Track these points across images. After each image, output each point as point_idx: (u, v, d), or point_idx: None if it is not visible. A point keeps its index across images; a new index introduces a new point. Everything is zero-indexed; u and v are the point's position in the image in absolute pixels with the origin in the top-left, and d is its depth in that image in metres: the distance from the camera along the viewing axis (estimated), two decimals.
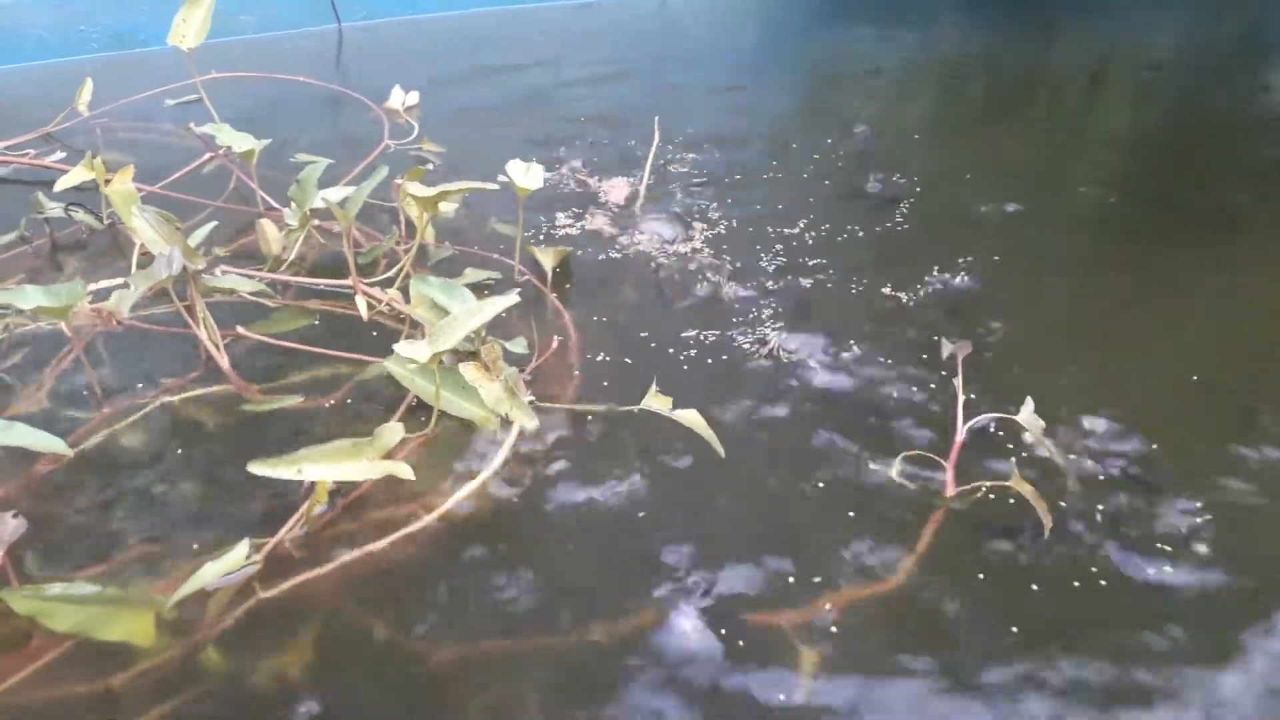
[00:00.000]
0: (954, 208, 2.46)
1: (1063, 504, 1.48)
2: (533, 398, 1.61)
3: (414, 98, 3.02)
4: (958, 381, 1.59)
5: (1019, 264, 2.19)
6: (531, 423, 1.42)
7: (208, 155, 2.47)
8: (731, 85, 3.40)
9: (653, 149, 2.48)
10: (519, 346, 1.64)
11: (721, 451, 1.48)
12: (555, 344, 1.82)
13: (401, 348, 1.45)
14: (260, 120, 2.85)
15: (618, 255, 2.18)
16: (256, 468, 1.25)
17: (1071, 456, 1.57)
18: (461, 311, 1.47)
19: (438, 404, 1.51)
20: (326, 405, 1.66)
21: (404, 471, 1.29)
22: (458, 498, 1.42)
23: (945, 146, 2.92)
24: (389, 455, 1.36)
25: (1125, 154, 2.90)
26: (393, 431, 1.30)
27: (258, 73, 3.16)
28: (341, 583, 1.32)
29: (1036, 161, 2.81)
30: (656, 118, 2.52)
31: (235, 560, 1.27)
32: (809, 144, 2.83)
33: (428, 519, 1.39)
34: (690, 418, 1.48)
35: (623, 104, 3.14)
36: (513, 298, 1.49)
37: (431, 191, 1.78)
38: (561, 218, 2.36)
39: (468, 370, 1.42)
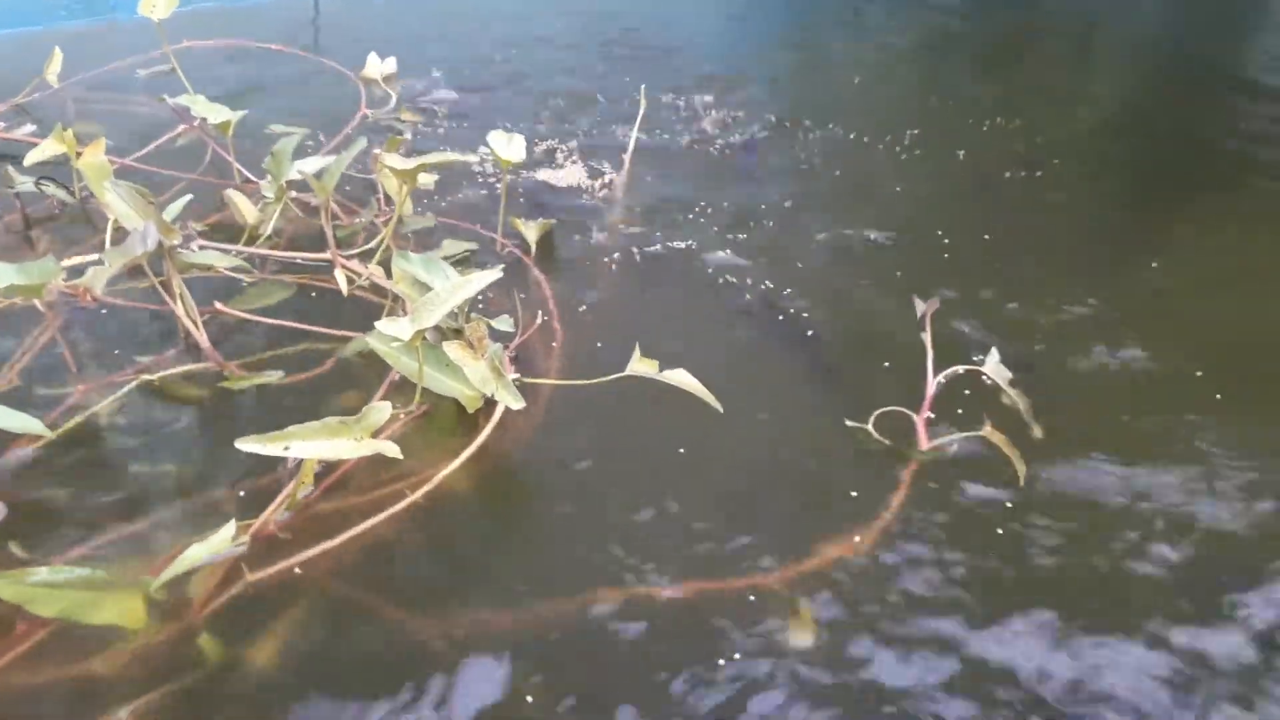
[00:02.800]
0: (939, 167, 2.45)
1: None
2: (518, 374, 1.59)
3: (391, 66, 2.96)
4: (926, 336, 1.61)
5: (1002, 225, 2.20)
6: (517, 403, 1.40)
7: (182, 127, 2.42)
8: (721, 63, 3.37)
9: (637, 121, 2.45)
10: (504, 324, 1.62)
11: (719, 407, 1.47)
12: (540, 318, 1.81)
13: (383, 325, 1.43)
14: (235, 90, 2.79)
15: (602, 226, 2.16)
16: (244, 444, 1.23)
17: None
18: (444, 288, 1.44)
19: (421, 382, 1.50)
20: (307, 382, 1.65)
21: (391, 450, 1.28)
22: (443, 475, 1.41)
23: (931, 104, 2.91)
24: (377, 433, 1.35)
25: (1111, 114, 2.90)
26: (380, 410, 1.29)
27: (233, 40, 3.10)
28: (328, 562, 1.31)
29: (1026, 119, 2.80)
30: (643, 87, 2.49)
31: (221, 541, 1.26)
32: (796, 119, 2.81)
33: (413, 497, 1.38)
34: (679, 378, 1.47)
35: (609, 72, 3.10)
36: (495, 273, 1.47)
37: (410, 164, 1.75)
38: (545, 187, 2.33)
39: (452, 349, 1.41)
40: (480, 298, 1.84)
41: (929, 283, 1.92)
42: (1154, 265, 2.05)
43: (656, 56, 3.28)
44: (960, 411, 1.61)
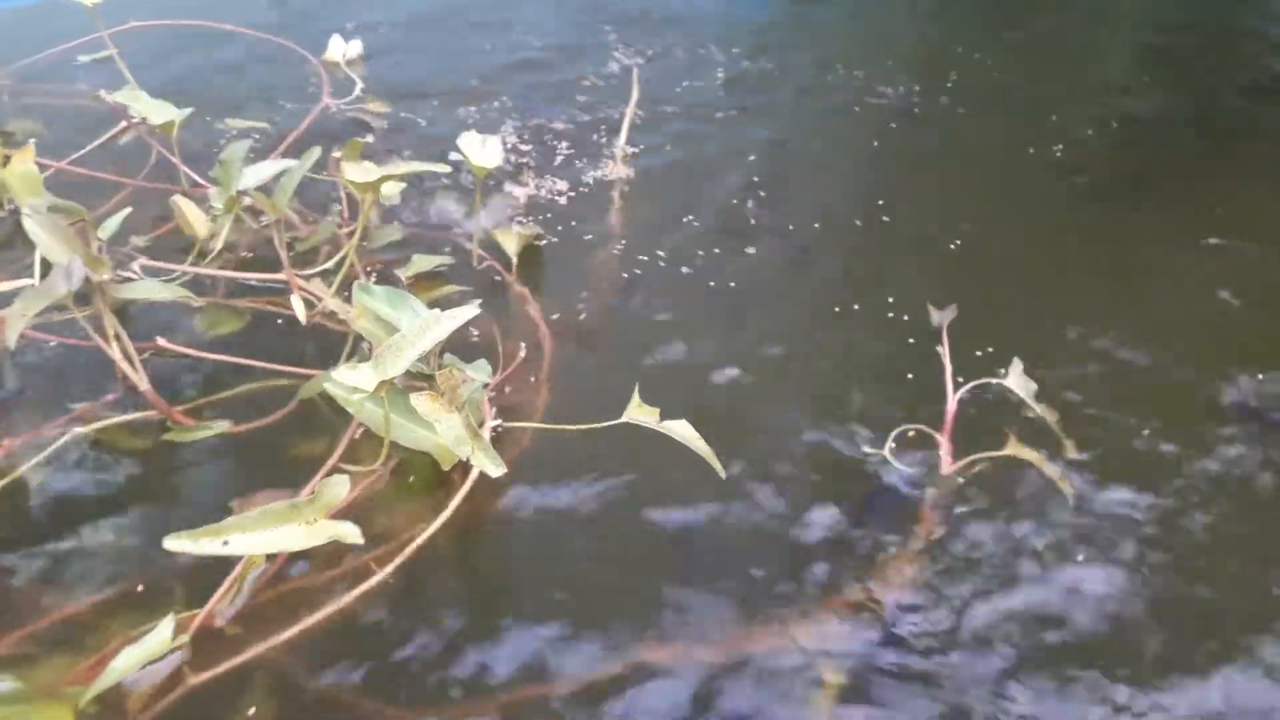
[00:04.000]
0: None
1: None
2: (499, 420, 1.42)
3: (356, 48, 2.73)
4: (943, 349, 1.46)
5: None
6: (497, 469, 1.22)
7: (122, 124, 2.21)
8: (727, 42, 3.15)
9: (629, 109, 2.22)
10: (481, 372, 1.44)
11: (721, 471, 1.29)
12: (523, 349, 1.61)
13: (343, 373, 1.24)
14: (185, 77, 2.57)
15: (592, 236, 1.96)
16: (173, 543, 1.05)
17: None
18: (411, 327, 1.26)
19: (388, 436, 1.32)
20: (264, 429, 1.47)
21: (351, 535, 1.10)
22: (414, 547, 1.23)
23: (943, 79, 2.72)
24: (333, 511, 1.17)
25: (1129, 101, 2.71)
26: (336, 486, 1.11)
27: (182, 20, 2.86)
28: (285, 653, 1.14)
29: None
30: (635, 70, 2.27)
31: (159, 644, 1.09)
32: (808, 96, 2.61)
33: (383, 574, 1.21)
34: (681, 430, 1.29)
35: (597, 56, 2.87)
36: (471, 309, 1.29)
37: (372, 175, 1.56)
38: (525, 188, 2.12)
39: (421, 403, 1.23)
40: None
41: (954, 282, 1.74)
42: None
43: (648, 31, 3.05)
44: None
